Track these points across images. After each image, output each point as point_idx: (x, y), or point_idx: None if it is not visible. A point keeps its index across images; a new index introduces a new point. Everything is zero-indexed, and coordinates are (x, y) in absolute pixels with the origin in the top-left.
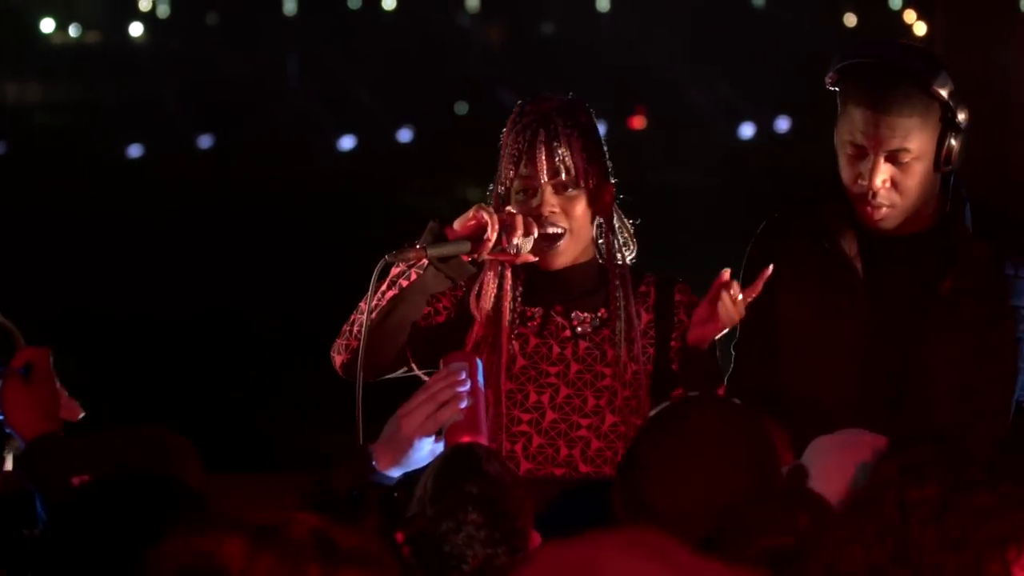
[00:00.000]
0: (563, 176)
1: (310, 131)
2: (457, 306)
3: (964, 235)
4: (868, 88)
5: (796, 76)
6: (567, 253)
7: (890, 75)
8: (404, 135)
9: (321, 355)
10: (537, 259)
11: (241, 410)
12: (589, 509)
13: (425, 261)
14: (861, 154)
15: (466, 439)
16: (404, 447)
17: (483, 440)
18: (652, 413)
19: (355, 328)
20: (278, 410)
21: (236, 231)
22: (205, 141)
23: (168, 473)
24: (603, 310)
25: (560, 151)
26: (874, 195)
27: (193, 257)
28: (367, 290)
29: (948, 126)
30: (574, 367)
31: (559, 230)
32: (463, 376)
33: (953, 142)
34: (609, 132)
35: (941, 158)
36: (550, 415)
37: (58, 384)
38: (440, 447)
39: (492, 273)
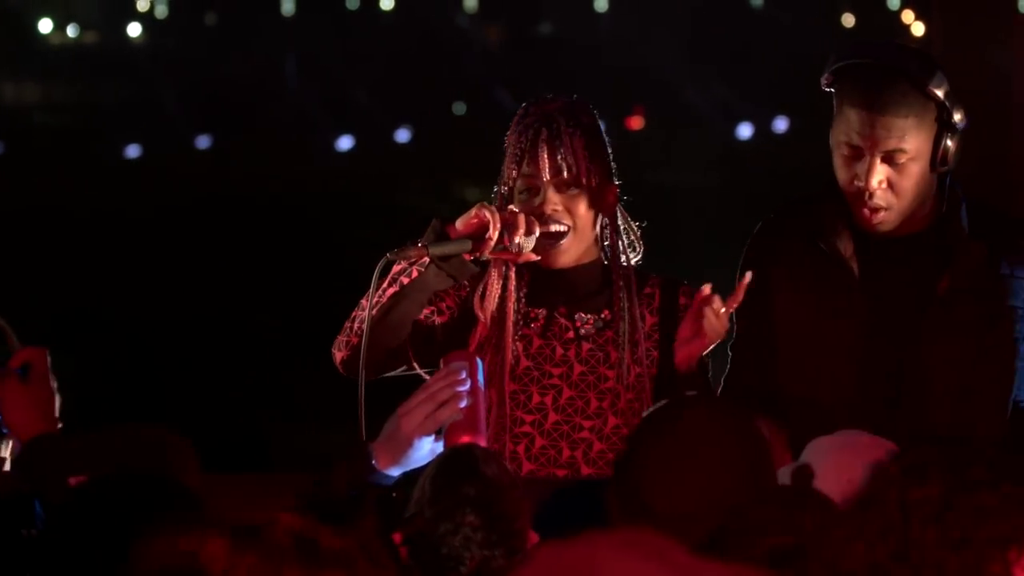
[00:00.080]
0: (565, 174)
1: (308, 131)
2: (460, 306)
3: (960, 235)
4: (864, 89)
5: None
6: (570, 252)
7: (886, 75)
8: (402, 135)
9: (320, 355)
10: (539, 258)
11: (241, 410)
12: (586, 509)
13: (427, 259)
14: (857, 155)
15: (466, 439)
16: (403, 446)
17: (483, 440)
18: (646, 413)
19: (356, 325)
20: (278, 410)
21: (234, 231)
22: (203, 141)
23: (166, 474)
24: (607, 311)
25: (562, 150)
26: (870, 196)
27: (192, 257)
28: (367, 289)
29: (944, 127)
30: (577, 368)
31: (562, 228)
32: (463, 376)
33: (949, 142)
34: (607, 132)
35: (937, 158)
36: (553, 416)
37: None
38: (440, 446)
39: (496, 274)
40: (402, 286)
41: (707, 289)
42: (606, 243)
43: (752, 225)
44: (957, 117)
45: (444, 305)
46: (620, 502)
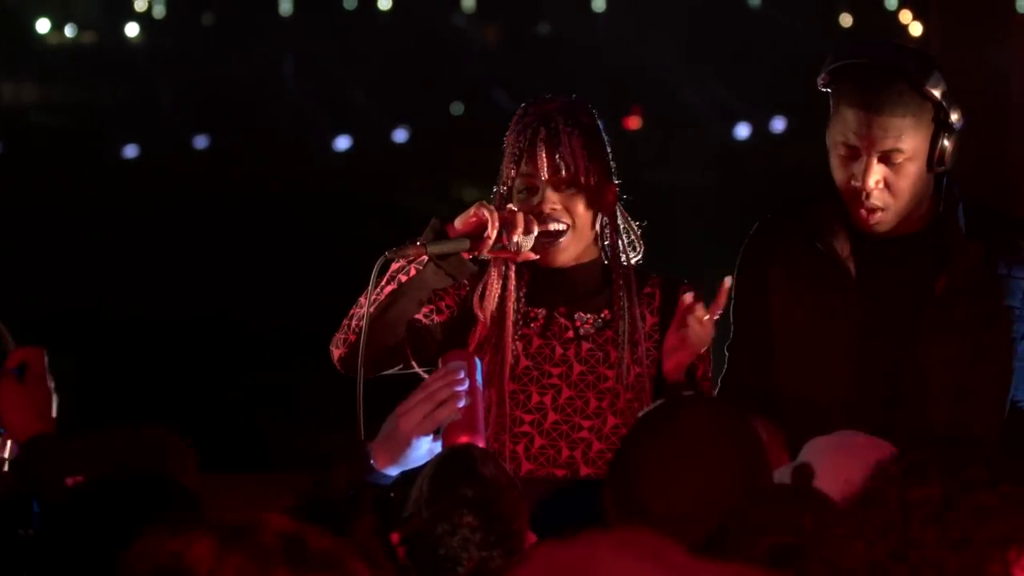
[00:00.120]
0: (563, 173)
1: (306, 131)
2: (460, 305)
3: (957, 235)
4: (861, 89)
5: (792, 76)
6: (569, 251)
7: (883, 75)
8: (400, 135)
9: (320, 355)
10: (538, 257)
11: (241, 410)
12: (584, 509)
13: (425, 258)
14: (854, 155)
15: (464, 439)
16: (402, 446)
17: (481, 440)
18: (642, 413)
19: (354, 322)
20: (278, 410)
21: (233, 231)
22: (201, 141)
23: (165, 474)
24: (606, 311)
25: (560, 149)
26: (867, 196)
27: (190, 257)
28: (365, 289)
29: (941, 127)
30: (577, 368)
31: (561, 226)
32: (461, 375)
33: (946, 143)
34: (605, 132)
35: (934, 159)
36: (552, 416)
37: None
38: (438, 446)
39: (496, 273)
40: (400, 284)
41: (689, 298)
42: (606, 243)
43: (749, 225)
44: (954, 117)
45: (443, 304)
46: (616, 502)
